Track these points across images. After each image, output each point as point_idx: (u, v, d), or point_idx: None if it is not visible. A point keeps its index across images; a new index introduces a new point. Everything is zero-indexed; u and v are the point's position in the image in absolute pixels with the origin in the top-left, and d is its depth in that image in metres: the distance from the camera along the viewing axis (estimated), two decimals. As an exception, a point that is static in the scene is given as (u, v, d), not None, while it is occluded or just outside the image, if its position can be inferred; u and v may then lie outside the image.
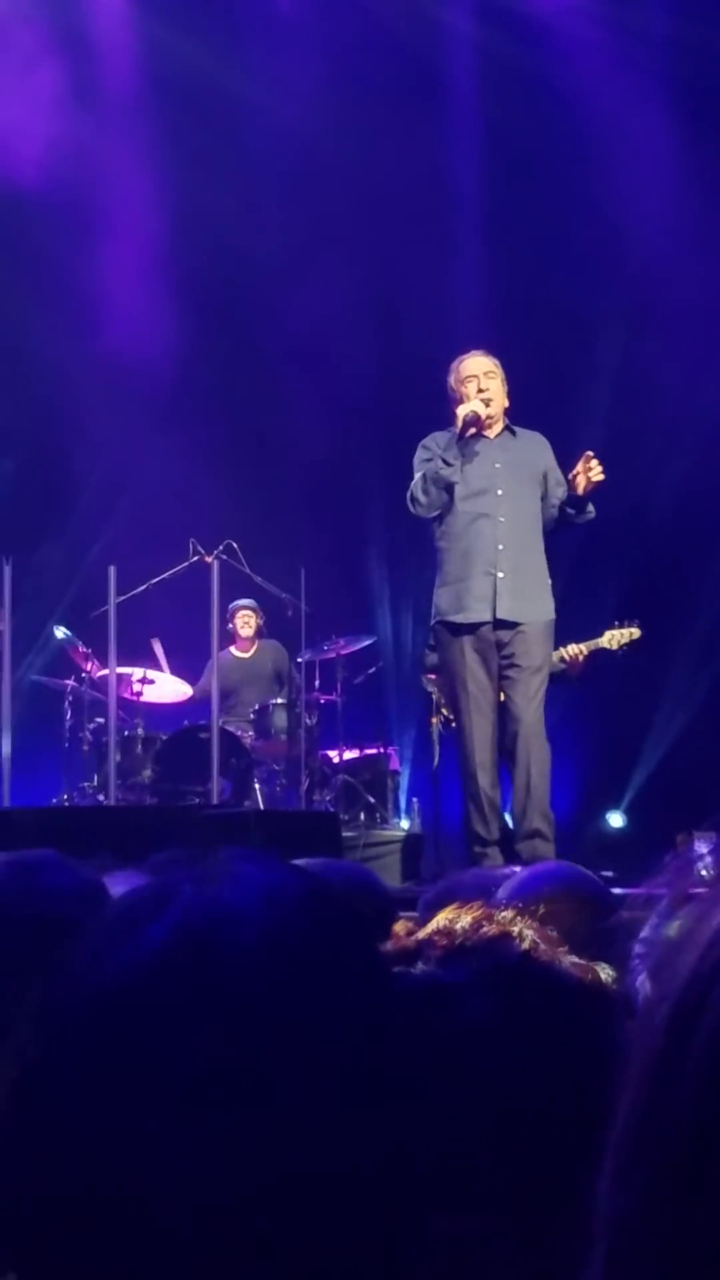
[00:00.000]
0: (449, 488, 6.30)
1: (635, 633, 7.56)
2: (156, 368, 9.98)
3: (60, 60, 9.86)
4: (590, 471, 6.25)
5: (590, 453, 6.30)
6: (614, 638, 7.54)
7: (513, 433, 6.51)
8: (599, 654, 7.53)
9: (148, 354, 9.92)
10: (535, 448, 6.55)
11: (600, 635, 7.55)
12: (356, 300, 10.09)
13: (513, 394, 6.56)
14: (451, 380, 6.50)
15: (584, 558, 9.74)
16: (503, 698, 6.41)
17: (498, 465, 6.38)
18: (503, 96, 10.18)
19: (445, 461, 6.29)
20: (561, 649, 7.44)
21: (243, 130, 10.27)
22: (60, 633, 8.70)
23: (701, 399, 9.85)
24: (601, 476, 6.28)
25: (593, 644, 7.52)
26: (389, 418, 10.06)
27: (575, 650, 7.47)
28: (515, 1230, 1.18)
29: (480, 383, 6.39)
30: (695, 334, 9.88)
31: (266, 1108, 0.75)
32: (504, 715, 6.34)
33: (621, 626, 7.57)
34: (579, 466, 6.30)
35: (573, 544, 9.53)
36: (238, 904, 0.80)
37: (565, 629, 7.70)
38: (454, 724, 6.47)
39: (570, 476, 6.35)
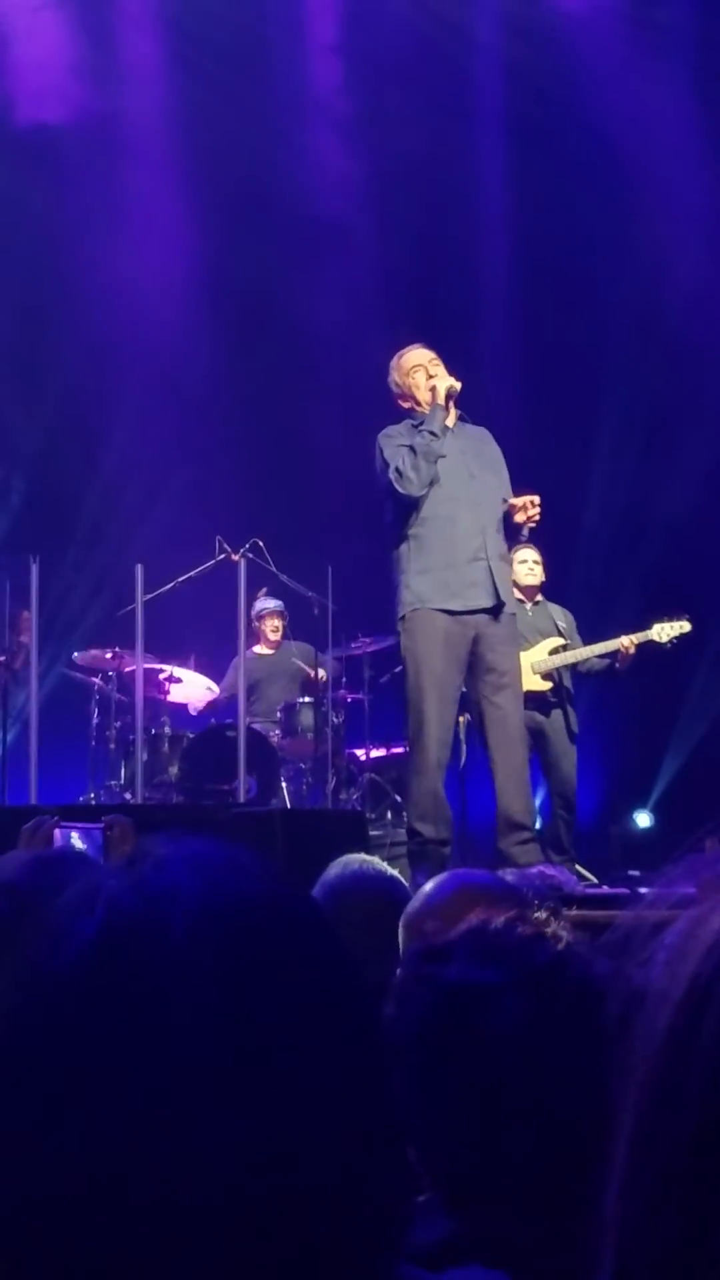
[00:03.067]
0: (437, 461, 5.96)
1: (685, 626, 7.21)
2: (184, 365, 9.98)
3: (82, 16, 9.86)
4: (530, 514, 6.02)
5: (537, 498, 6.05)
6: (663, 630, 7.21)
7: (464, 420, 6.25)
8: (647, 647, 7.25)
9: (174, 352, 9.93)
10: (489, 439, 6.32)
11: (648, 628, 7.23)
12: (380, 299, 10.07)
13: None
14: (395, 376, 6.29)
15: (609, 552, 9.73)
16: (465, 692, 6.18)
17: (463, 451, 6.10)
18: (527, 90, 10.18)
19: (432, 433, 5.97)
20: (612, 641, 7.27)
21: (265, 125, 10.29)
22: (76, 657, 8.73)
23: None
24: (535, 523, 6.06)
25: (642, 636, 7.22)
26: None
27: (628, 642, 7.20)
28: (549, 1230, 1.17)
29: (429, 369, 6.19)
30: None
31: (219, 1104, 0.73)
32: (489, 713, 6.03)
33: (671, 620, 7.23)
34: (524, 503, 6.03)
35: (598, 539, 9.55)
36: (165, 886, 0.78)
37: (592, 623, 7.64)
38: (418, 718, 5.95)
39: (508, 504, 6.08)
